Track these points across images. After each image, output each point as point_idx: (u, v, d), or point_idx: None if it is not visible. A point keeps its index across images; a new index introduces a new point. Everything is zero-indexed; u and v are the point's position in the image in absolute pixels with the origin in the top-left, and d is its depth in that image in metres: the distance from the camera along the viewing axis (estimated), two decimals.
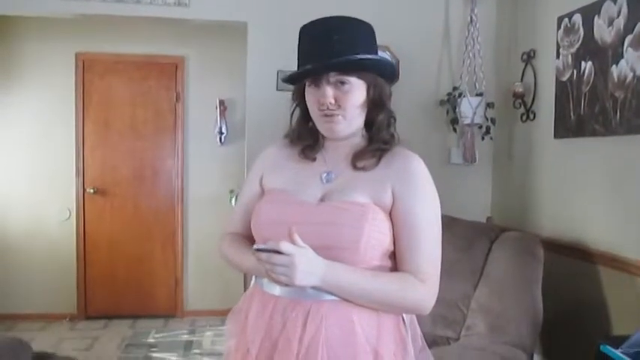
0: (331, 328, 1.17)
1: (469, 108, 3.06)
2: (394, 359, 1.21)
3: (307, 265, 1.10)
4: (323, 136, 1.32)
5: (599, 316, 2.40)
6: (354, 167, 1.26)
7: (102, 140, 4.53)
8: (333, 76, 1.21)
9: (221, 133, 4.53)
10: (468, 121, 3.08)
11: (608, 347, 1.85)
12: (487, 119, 3.17)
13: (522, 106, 3.01)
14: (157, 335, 4.25)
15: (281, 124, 3.55)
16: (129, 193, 4.60)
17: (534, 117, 2.94)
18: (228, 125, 4.55)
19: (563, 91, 2.62)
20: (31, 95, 4.39)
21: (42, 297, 4.43)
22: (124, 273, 4.59)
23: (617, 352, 1.81)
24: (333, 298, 1.18)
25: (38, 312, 4.39)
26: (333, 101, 1.22)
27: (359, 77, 1.23)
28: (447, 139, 3.32)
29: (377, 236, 1.19)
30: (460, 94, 3.13)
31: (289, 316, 1.19)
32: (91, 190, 4.50)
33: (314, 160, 1.32)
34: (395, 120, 1.33)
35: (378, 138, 1.28)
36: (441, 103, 3.27)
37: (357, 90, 1.24)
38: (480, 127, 3.17)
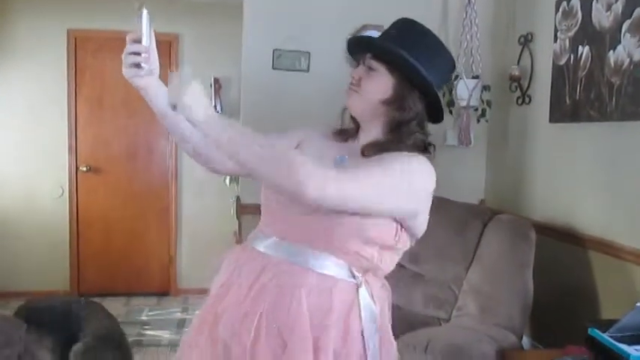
0: (280, 288, 1.19)
1: (465, 90, 3.05)
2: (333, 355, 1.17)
3: (196, 97, 1.13)
4: (359, 126, 1.35)
5: (589, 299, 2.43)
6: (363, 155, 1.29)
7: (95, 118, 4.49)
8: (368, 60, 1.28)
9: (216, 111, 4.50)
10: (463, 103, 3.08)
11: (597, 331, 1.87)
12: (483, 102, 3.17)
13: (518, 90, 3.00)
14: (150, 313, 4.28)
15: (277, 102, 3.53)
16: (122, 171, 4.58)
17: (530, 101, 2.93)
18: (223, 104, 4.52)
19: (560, 76, 2.62)
20: (23, 72, 4.33)
21: (35, 275, 4.43)
22: (117, 251, 4.59)
23: (605, 336, 1.84)
24: (299, 264, 1.20)
25: (31, 289, 4.38)
26: (357, 77, 1.29)
27: (389, 70, 1.26)
28: (442, 121, 3.31)
29: (359, 221, 1.17)
30: (456, 77, 3.11)
31: (250, 264, 1.25)
32: (84, 168, 4.47)
33: (344, 141, 1.36)
34: (422, 141, 1.29)
35: (393, 138, 1.28)
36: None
37: (381, 80, 1.27)
38: (476, 109, 3.17)
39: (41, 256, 4.42)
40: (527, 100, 2.95)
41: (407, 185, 1.19)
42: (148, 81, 1.24)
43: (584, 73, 2.45)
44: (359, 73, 1.29)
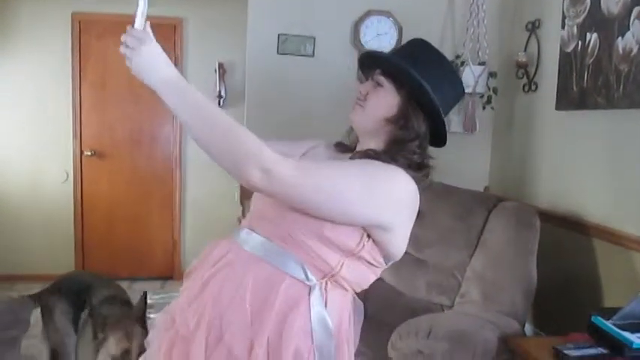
0: (230, 276, 1.18)
1: (471, 77, 3.03)
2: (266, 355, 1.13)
3: (151, 58, 1.06)
4: (358, 139, 1.33)
5: (592, 287, 2.43)
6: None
7: (99, 103, 4.49)
8: (377, 75, 1.26)
9: (220, 96, 4.49)
10: (469, 90, 3.05)
11: (600, 318, 1.87)
12: (489, 89, 3.15)
13: (525, 77, 2.98)
14: (154, 297, 4.29)
15: (281, 87, 3.52)
16: (127, 155, 4.58)
17: (536, 88, 2.91)
18: (228, 89, 4.50)
19: (567, 63, 2.59)
20: (27, 57, 4.33)
21: (40, 258, 4.46)
22: (121, 235, 4.61)
23: (608, 324, 1.84)
24: (257, 255, 1.17)
25: (36, 273, 4.41)
26: (364, 92, 1.27)
27: (396, 87, 1.24)
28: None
29: (318, 220, 1.13)
30: (463, 63, 3.09)
31: (216, 251, 1.24)
32: (89, 153, 4.48)
33: (343, 153, 1.34)
34: (417, 163, 1.24)
35: (388, 151, 1.24)
36: None
37: (387, 96, 1.25)
38: (482, 96, 3.15)
39: (46, 240, 4.45)
40: (533, 87, 2.93)
41: (377, 192, 1.13)
42: None
43: (591, 60, 2.43)
44: (366, 88, 1.28)
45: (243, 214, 3.36)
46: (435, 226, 2.60)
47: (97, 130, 4.51)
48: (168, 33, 4.40)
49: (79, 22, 4.39)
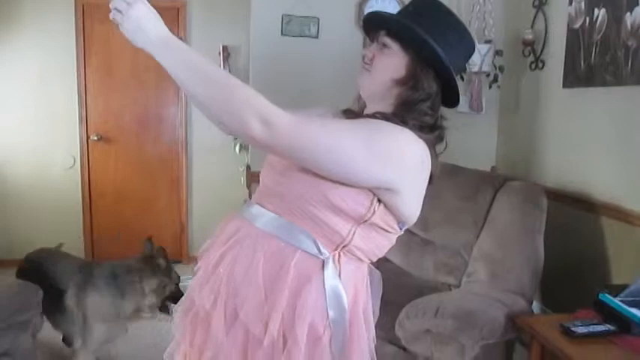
0: (241, 252, 1.17)
1: (477, 55, 3.00)
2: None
3: (140, 20, 1.06)
4: (366, 105, 1.29)
5: (600, 265, 2.43)
6: None
7: (104, 87, 4.48)
8: (382, 37, 1.21)
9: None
10: (475, 68, 3.03)
11: (607, 295, 1.88)
12: (495, 67, 3.12)
13: (532, 54, 2.95)
14: None
15: (286, 69, 3.49)
16: (133, 140, 4.59)
17: (543, 66, 2.88)
18: (232, 72, 4.41)
19: (575, 40, 2.56)
20: (31, 41, 4.30)
21: (48, 244, 4.46)
22: (129, 219, 4.63)
23: (616, 301, 1.84)
24: (266, 231, 1.17)
25: None
26: (370, 56, 1.22)
27: (403, 48, 1.19)
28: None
29: (325, 187, 1.11)
30: None
31: (227, 230, 1.24)
32: (95, 137, 4.48)
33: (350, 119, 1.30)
34: (430, 125, 1.20)
35: (398, 113, 1.19)
36: None
37: (394, 58, 1.20)
38: (488, 75, 3.13)
39: (54, 226, 4.47)
40: (540, 65, 2.90)
41: (380, 150, 1.08)
42: None
43: (599, 36, 2.40)
44: (372, 51, 1.23)
45: (250, 197, 3.37)
46: (441, 206, 2.61)
47: (103, 114, 4.50)
48: (171, 16, 4.37)
49: (83, 6, 4.36)
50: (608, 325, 1.80)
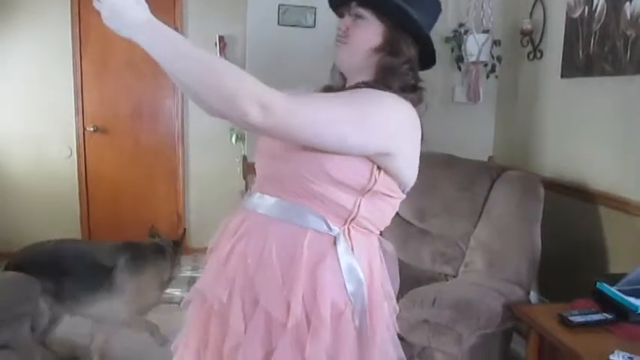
0: (251, 241, 1.17)
1: (475, 45, 2.98)
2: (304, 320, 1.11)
3: (118, 7, 1.02)
4: (345, 78, 1.29)
5: (597, 254, 2.44)
6: None
7: (100, 78, 4.45)
8: (354, 8, 1.20)
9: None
10: (473, 58, 3.01)
11: (605, 284, 1.88)
12: (493, 57, 3.11)
13: (530, 44, 2.94)
14: None
15: (283, 59, 3.47)
16: (129, 131, 4.57)
17: (541, 55, 2.87)
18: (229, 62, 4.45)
19: (573, 29, 2.55)
20: (27, 33, 4.27)
21: (45, 235, 4.46)
22: (126, 210, 4.63)
23: (614, 290, 1.85)
24: (273, 216, 1.16)
25: None
26: (344, 29, 1.22)
27: (378, 18, 1.19)
28: (451, 77, 3.27)
29: (324, 161, 1.11)
30: (466, 31, 3.05)
31: (233, 223, 1.23)
32: (92, 129, 4.46)
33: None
34: (412, 85, 1.21)
35: (379, 80, 1.20)
36: (447, 40, 3.19)
37: (370, 27, 1.20)
38: (486, 65, 3.11)
39: (51, 217, 4.46)
40: (538, 54, 2.89)
41: (373, 116, 1.09)
42: None
43: (598, 26, 2.39)
44: (346, 23, 1.21)
45: (246, 189, 3.36)
46: (439, 197, 2.60)
47: (99, 105, 4.48)
48: (167, 7, 4.33)
49: None
50: (606, 314, 1.81)
